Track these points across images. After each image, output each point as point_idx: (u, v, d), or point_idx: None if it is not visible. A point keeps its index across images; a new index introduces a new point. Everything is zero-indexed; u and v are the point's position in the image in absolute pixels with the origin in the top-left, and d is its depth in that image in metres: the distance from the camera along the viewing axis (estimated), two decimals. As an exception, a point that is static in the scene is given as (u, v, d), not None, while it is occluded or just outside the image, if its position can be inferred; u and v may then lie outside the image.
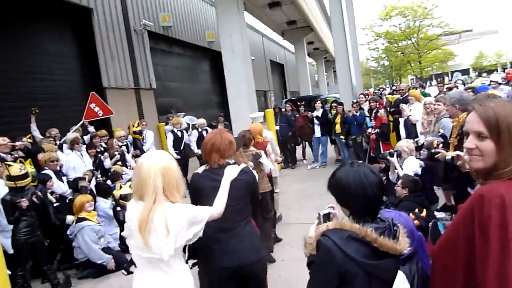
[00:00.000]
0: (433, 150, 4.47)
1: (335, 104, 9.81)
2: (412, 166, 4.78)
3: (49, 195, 5.12)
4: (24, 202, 4.06)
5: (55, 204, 5.19)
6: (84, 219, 4.90)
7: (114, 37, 10.78)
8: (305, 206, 7.02)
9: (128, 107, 11.08)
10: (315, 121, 9.78)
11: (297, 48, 28.46)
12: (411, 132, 6.85)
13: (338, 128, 9.55)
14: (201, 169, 2.67)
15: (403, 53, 28.81)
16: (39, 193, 4.38)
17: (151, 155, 2.08)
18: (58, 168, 5.73)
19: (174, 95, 14.51)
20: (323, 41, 32.31)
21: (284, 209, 6.82)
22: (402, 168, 4.85)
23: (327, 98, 10.80)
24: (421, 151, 5.46)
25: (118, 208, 5.57)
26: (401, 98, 7.85)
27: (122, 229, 5.74)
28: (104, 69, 10.25)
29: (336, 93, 16.10)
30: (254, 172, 3.07)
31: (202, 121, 9.19)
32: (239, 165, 2.61)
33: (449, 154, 3.96)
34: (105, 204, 5.72)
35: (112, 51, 10.63)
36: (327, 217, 1.79)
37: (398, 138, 7.99)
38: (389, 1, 30.57)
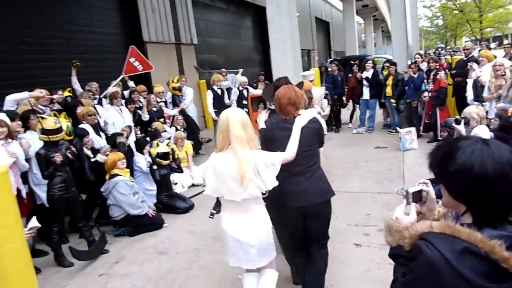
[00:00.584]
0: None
1: (387, 64, 9.03)
2: (482, 134, 4.17)
3: (85, 150, 4.98)
4: (58, 157, 3.89)
5: (92, 159, 5.07)
6: (117, 175, 4.74)
7: (155, -11, 10.35)
8: (349, 174, 6.59)
9: (168, 62, 10.79)
10: (364, 82, 9.08)
11: (345, 4, 26.76)
12: (480, 95, 6.09)
13: (389, 90, 8.84)
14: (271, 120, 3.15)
15: (462, 11, 26.28)
16: (73, 149, 4.21)
17: (232, 110, 2.56)
18: (96, 122, 5.56)
19: (215, 52, 14.05)
20: (373, -3, 30.21)
21: (326, 175, 6.41)
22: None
23: (375, 59, 9.97)
24: (492, 120, 4.83)
25: (155, 167, 5.39)
26: (466, 59, 6.98)
27: (157, 188, 5.45)
28: (144, 22, 9.91)
29: (385, 54, 15.03)
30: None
31: (244, 79, 8.73)
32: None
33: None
34: (142, 160, 5.56)
35: (153, 4, 10.22)
36: (417, 197, 1.38)
37: (459, 104, 7.25)
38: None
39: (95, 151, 5.23)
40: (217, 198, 2.77)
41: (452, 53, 8.88)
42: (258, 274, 2.81)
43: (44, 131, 3.91)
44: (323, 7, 30.17)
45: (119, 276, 3.92)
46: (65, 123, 4.51)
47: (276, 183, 2.47)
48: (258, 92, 8.87)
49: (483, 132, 4.23)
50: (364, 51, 32.58)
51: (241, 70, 9.49)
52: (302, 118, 2.75)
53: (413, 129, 7.55)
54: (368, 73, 9.02)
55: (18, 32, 7.09)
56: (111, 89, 6.95)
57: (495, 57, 6.67)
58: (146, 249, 4.46)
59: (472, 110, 4.38)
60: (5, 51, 6.78)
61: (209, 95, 8.30)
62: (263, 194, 2.55)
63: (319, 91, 5.96)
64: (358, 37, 34.36)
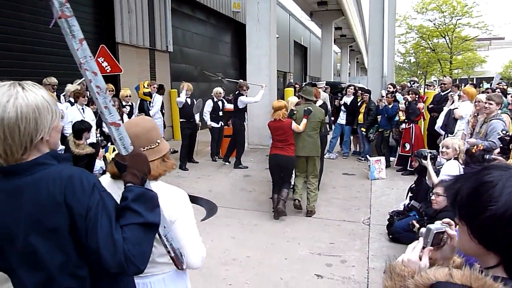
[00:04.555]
0: (487, 156, 3.74)
1: (361, 92, 9.02)
2: (452, 171, 4.04)
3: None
4: None
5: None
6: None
7: (134, -11, 10.01)
8: (318, 199, 6.37)
9: (140, 67, 10.39)
10: (343, 108, 9.02)
11: (324, 31, 27.25)
12: (449, 125, 6.08)
13: (361, 118, 8.79)
14: None
15: (435, 50, 27.33)
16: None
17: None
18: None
19: (191, 63, 13.76)
20: (351, 28, 31.01)
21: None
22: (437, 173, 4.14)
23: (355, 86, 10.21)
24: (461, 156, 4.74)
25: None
26: (442, 94, 7.02)
27: None
28: (119, 22, 9.52)
29: (359, 83, 15.32)
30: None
31: (219, 90, 8.42)
32: None
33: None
34: (97, 164, 5.13)
35: (130, 5, 9.87)
36: (437, 239, 1.12)
37: (430, 138, 7.27)
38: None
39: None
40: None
41: (426, 87, 8.95)
42: None
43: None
44: (302, 32, 30.65)
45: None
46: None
47: None
48: (231, 107, 8.66)
49: (453, 167, 4.10)
50: (339, 79, 33.18)
51: (264, 85, 8.52)
52: None
53: (382, 158, 7.47)
54: (348, 99, 8.97)
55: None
56: (71, 86, 6.49)
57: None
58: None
59: (455, 141, 4.27)
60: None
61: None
62: None
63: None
64: (334, 66, 35.07)
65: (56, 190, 1.14)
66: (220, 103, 8.35)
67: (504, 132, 3.85)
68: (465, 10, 25.41)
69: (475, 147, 4.40)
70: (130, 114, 7.66)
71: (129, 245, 1.16)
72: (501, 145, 3.87)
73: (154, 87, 8.54)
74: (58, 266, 1.17)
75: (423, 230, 1.15)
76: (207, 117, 8.32)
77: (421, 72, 35.93)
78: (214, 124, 8.30)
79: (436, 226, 1.13)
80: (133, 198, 1.22)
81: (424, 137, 7.61)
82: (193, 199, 5.98)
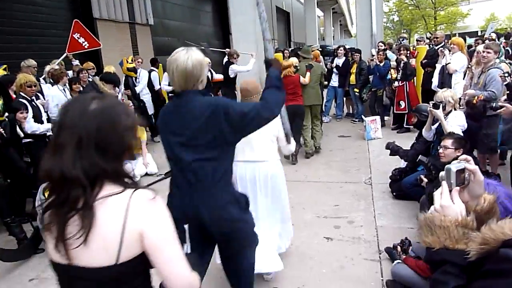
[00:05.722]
0: (493, 104, 3.64)
1: (350, 52, 8.82)
2: (459, 121, 3.95)
3: (18, 130, 4.27)
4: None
5: (25, 141, 4.36)
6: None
7: (108, -40, 9.47)
8: (314, 162, 6.31)
9: (121, 42, 9.99)
10: (334, 70, 8.82)
11: (306, -7, 26.58)
12: (445, 82, 5.97)
13: (352, 78, 8.64)
14: None
15: (418, 7, 26.94)
16: (1, 130, 3.53)
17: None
18: (33, 95, 4.81)
19: (173, 35, 13.29)
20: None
21: (291, 165, 6.09)
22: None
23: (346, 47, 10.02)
24: (461, 107, 4.66)
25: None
26: (436, 48, 6.86)
27: None
28: (95, -4, 9.05)
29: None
30: None
31: (207, 60, 8.11)
32: None
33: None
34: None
35: (105, -23, 9.37)
36: (460, 179, 1.00)
37: (425, 94, 7.17)
38: None
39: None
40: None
41: (416, 42, 8.77)
42: None
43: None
44: (284, -3, 29.88)
45: (54, 281, 3.32)
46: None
47: None
48: (218, 77, 8.40)
49: (460, 116, 4.02)
50: (324, 43, 32.67)
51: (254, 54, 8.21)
52: None
53: (377, 118, 7.39)
54: (340, 61, 8.75)
55: None
56: (50, 67, 6.19)
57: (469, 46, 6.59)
58: None
59: (447, 94, 4.15)
60: None
61: (165, 78, 7.83)
62: None
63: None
64: (317, 30, 34.40)
65: (204, 107, 1.95)
66: (208, 73, 8.07)
67: (507, 75, 3.70)
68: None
69: (476, 97, 4.30)
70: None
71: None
72: (508, 92, 3.75)
73: (138, 62, 8.21)
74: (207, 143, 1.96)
75: (442, 173, 1.04)
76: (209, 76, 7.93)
77: (404, 30, 35.59)
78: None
79: (455, 165, 1.02)
80: (276, 75, 2.20)
81: (418, 94, 7.50)
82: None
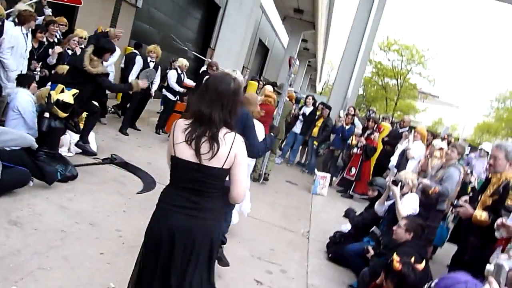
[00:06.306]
0: (455, 202, 3.73)
1: (322, 106, 8.99)
2: (413, 204, 4.02)
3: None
4: None
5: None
6: None
7: None
8: (258, 198, 6.12)
9: (102, 13, 9.39)
10: (300, 117, 8.89)
11: (291, 39, 27.39)
12: (401, 164, 6.19)
13: (315, 131, 8.76)
14: None
15: (385, 89, 28.85)
16: None
17: None
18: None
19: (155, 26, 12.84)
20: (316, 44, 31.57)
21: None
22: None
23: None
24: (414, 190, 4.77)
25: (46, 115, 4.24)
26: (400, 131, 7.19)
27: (39, 141, 4.26)
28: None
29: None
30: None
31: (185, 62, 7.82)
32: None
33: (482, 216, 3.23)
34: (27, 98, 4.37)
35: None
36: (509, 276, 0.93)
37: (375, 169, 7.39)
38: (394, 34, 30.34)
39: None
40: None
41: (382, 119, 9.16)
42: None
43: None
44: (269, 33, 30.53)
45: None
46: None
47: None
48: (190, 83, 8.16)
49: (414, 200, 4.09)
50: (292, 89, 33.53)
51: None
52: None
53: (328, 176, 7.45)
54: (307, 109, 8.86)
55: None
56: (21, 5, 5.58)
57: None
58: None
59: (409, 176, 4.24)
60: None
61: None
62: None
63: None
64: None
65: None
66: (182, 75, 7.79)
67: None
68: (420, 60, 27.07)
69: (433, 188, 4.43)
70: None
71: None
72: (471, 195, 3.89)
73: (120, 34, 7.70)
74: None
75: (489, 267, 0.93)
76: (176, 88, 7.81)
77: (364, 105, 37.74)
78: (170, 96, 7.72)
79: (506, 262, 0.91)
80: (272, 139, 3.32)
81: (371, 167, 7.71)
82: (132, 169, 5.42)
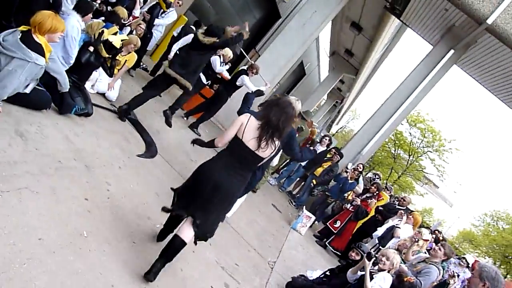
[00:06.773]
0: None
1: (335, 151, 9.01)
2: (385, 285, 4.01)
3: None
4: None
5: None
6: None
7: None
8: (242, 210, 6.09)
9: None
10: None
11: (330, 75, 27.56)
12: (385, 239, 6.21)
13: (319, 171, 8.75)
14: None
15: (395, 159, 28.95)
16: None
17: None
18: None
19: (215, 7, 12.91)
20: (351, 89, 31.72)
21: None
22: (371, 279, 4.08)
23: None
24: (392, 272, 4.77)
25: (90, 49, 4.26)
26: (397, 206, 7.22)
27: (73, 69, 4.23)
28: None
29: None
30: None
31: (231, 54, 7.80)
32: None
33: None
34: (76, 24, 4.32)
35: None
36: None
37: (359, 232, 7.39)
38: (427, 111, 30.41)
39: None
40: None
41: (384, 188, 9.17)
42: None
43: None
44: (312, 60, 30.70)
45: None
46: None
47: None
48: (226, 75, 8.18)
49: (387, 280, 4.08)
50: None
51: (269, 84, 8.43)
52: None
53: (313, 218, 7.45)
54: (320, 148, 8.88)
55: None
56: None
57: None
58: (3, 118, 3.30)
59: (394, 256, 4.23)
60: None
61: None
62: None
63: None
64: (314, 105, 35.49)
65: None
66: (222, 65, 7.80)
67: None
68: (440, 149, 27.17)
69: (409, 277, 4.43)
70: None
71: None
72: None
73: (178, 3, 7.78)
74: None
75: None
76: (220, 70, 7.80)
77: (368, 165, 37.76)
78: (203, 77, 7.72)
79: None
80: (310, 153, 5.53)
81: (355, 228, 7.69)
82: (141, 130, 5.41)
